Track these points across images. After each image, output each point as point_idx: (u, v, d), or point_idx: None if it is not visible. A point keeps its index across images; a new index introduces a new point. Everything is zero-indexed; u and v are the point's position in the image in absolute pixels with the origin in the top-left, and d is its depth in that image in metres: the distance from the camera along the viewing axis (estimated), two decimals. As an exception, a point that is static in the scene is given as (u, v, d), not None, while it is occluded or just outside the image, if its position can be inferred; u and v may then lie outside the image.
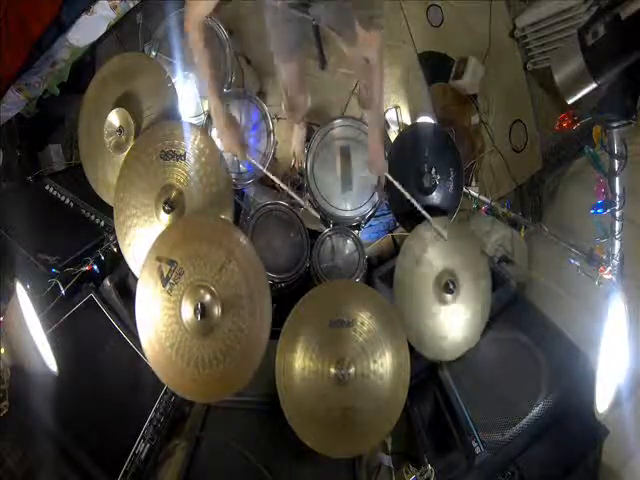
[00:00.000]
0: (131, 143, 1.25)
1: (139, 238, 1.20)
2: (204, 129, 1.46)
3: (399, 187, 1.32)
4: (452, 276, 1.29)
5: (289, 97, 1.58)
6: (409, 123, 1.93)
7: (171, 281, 1.05)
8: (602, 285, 1.21)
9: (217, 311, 1.04)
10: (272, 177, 1.33)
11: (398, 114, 1.87)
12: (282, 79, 1.54)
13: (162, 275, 1.05)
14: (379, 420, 1.12)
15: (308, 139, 1.58)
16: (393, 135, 1.76)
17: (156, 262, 1.05)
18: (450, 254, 1.32)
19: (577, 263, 1.30)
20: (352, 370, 1.10)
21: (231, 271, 1.04)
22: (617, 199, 1.08)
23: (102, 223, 1.45)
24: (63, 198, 1.51)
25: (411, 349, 1.18)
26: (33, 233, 1.33)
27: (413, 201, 1.31)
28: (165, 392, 1.32)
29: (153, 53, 1.52)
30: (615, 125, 0.95)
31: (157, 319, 1.05)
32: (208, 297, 1.04)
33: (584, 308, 1.36)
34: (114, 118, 1.27)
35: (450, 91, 2.20)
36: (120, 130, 1.26)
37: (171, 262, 1.05)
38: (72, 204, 1.50)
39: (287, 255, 1.51)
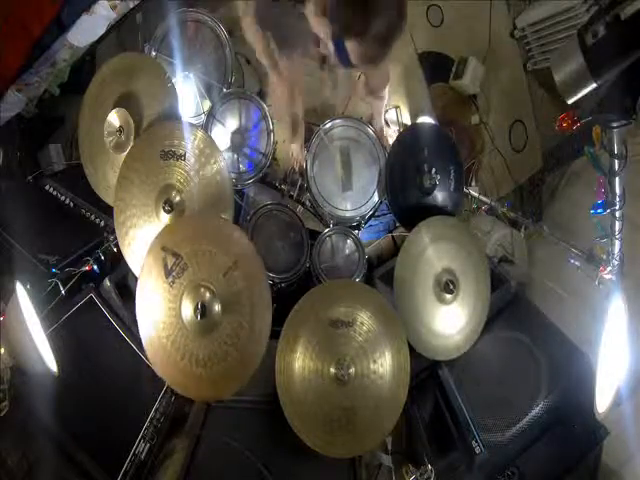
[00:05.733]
0: (131, 143, 1.25)
1: (139, 238, 1.20)
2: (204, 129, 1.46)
3: None
4: (452, 276, 1.29)
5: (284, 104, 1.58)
6: (409, 123, 1.93)
7: (174, 274, 1.05)
8: (602, 285, 1.21)
9: (217, 314, 1.04)
10: None
11: (398, 114, 1.86)
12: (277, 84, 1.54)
13: (166, 266, 1.05)
14: (379, 420, 1.13)
15: (307, 139, 1.58)
16: (393, 135, 1.76)
17: (161, 252, 1.06)
18: (450, 254, 1.32)
19: (577, 263, 1.30)
20: (352, 370, 1.10)
21: (235, 277, 1.05)
22: (617, 199, 1.08)
23: (102, 223, 1.45)
24: (63, 198, 1.51)
25: (411, 349, 1.18)
26: (33, 233, 1.33)
27: None
28: (165, 392, 1.32)
29: (153, 53, 1.51)
30: (615, 125, 0.95)
31: (157, 309, 1.05)
32: (209, 298, 1.04)
33: (584, 308, 1.36)
34: (114, 118, 1.27)
35: (450, 91, 2.20)
36: (120, 130, 1.26)
37: (176, 255, 1.05)
38: (72, 204, 1.49)
39: (287, 255, 1.51)
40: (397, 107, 1.87)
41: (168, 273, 1.05)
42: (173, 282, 1.05)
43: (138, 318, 1.05)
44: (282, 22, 1.27)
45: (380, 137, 1.57)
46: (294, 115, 1.55)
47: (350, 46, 0.93)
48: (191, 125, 1.23)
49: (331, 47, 0.99)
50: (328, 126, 1.52)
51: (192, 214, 1.20)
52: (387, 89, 1.59)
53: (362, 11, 0.87)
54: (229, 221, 1.23)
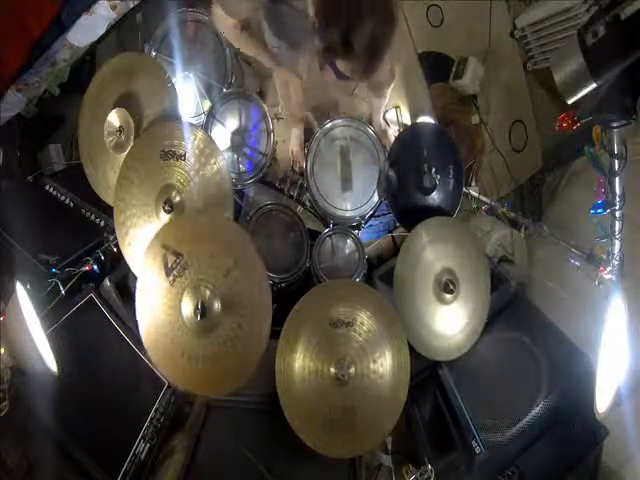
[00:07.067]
0: (131, 143, 1.25)
1: (139, 238, 1.20)
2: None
3: None
4: (452, 276, 1.29)
5: (287, 101, 1.58)
6: (409, 123, 1.93)
7: (175, 273, 1.05)
8: (602, 285, 1.21)
9: (217, 314, 1.04)
10: None
11: (398, 114, 1.86)
12: (282, 82, 1.53)
13: (166, 264, 1.05)
14: (379, 420, 1.13)
15: (307, 139, 1.58)
16: (393, 135, 1.76)
17: (162, 250, 1.05)
18: (450, 254, 1.32)
19: (577, 263, 1.30)
20: (352, 370, 1.10)
21: (236, 277, 1.05)
22: (617, 199, 1.08)
23: (102, 223, 1.45)
24: (63, 198, 1.51)
25: (411, 349, 1.18)
26: (33, 233, 1.33)
27: None
28: (165, 392, 1.32)
29: (153, 53, 1.51)
30: (615, 125, 0.95)
31: (157, 307, 1.05)
32: (209, 298, 1.04)
33: (584, 308, 1.36)
34: (114, 118, 1.27)
35: (450, 91, 2.20)
36: (120, 130, 1.26)
37: (177, 254, 1.05)
38: (72, 204, 1.49)
39: (287, 255, 1.51)
40: (397, 107, 1.87)
41: (169, 272, 1.05)
42: (174, 281, 1.05)
43: (138, 315, 1.05)
44: (287, 22, 1.26)
45: (379, 135, 1.57)
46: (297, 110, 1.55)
47: (339, 63, 0.93)
48: (191, 125, 1.23)
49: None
50: (328, 126, 1.52)
51: (194, 213, 1.20)
52: (391, 87, 1.59)
53: (343, 29, 0.84)
54: (231, 221, 1.23)
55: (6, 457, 1.00)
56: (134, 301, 1.06)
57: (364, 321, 1.14)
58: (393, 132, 1.79)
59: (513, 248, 1.94)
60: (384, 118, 1.80)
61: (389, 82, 1.50)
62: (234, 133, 1.52)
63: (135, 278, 1.11)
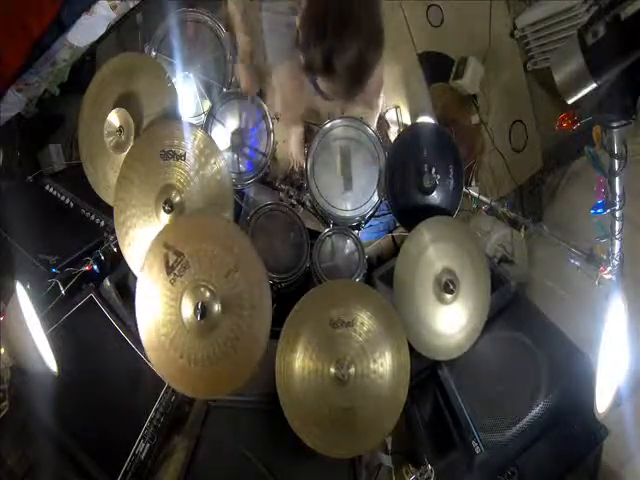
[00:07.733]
0: (131, 143, 1.25)
1: (139, 238, 1.20)
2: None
3: None
4: (452, 276, 1.29)
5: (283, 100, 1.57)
6: (409, 123, 1.93)
7: (175, 272, 1.04)
8: (602, 285, 1.21)
9: (216, 315, 1.04)
10: None
11: (398, 114, 1.87)
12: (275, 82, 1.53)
13: (167, 264, 1.05)
14: (379, 420, 1.13)
15: (307, 140, 1.58)
16: (393, 135, 1.76)
17: (163, 249, 1.05)
18: (450, 254, 1.32)
19: (577, 263, 1.30)
20: (352, 370, 1.10)
21: (236, 279, 1.05)
22: (617, 199, 1.08)
23: (102, 223, 1.45)
24: (63, 198, 1.51)
25: (411, 349, 1.18)
26: (33, 233, 1.33)
27: None
28: (165, 391, 1.32)
29: (153, 53, 1.51)
30: (615, 125, 0.95)
31: (157, 306, 1.05)
32: (209, 298, 1.04)
33: (584, 308, 1.36)
34: (114, 118, 1.27)
35: (450, 91, 2.20)
36: (120, 130, 1.26)
37: (178, 253, 1.05)
38: (72, 204, 1.49)
39: (287, 255, 1.51)
40: (397, 107, 1.87)
41: (169, 270, 1.05)
42: (174, 280, 1.05)
43: (137, 314, 1.05)
44: (278, 30, 1.26)
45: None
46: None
47: (320, 82, 0.91)
48: (191, 125, 1.23)
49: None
50: (328, 126, 1.52)
51: (196, 213, 1.20)
52: (381, 97, 1.58)
53: (325, 50, 0.81)
54: (232, 222, 1.23)
55: (6, 457, 1.01)
56: (134, 301, 1.06)
57: (364, 321, 1.14)
58: (393, 132, 1.80)
59: (513, 248, 1.94)
60: (384, 119, 1.81)
61: (378, 91, 1.49)
62: (234, 133, 1.52)
63: (135, 278, 1.11)
